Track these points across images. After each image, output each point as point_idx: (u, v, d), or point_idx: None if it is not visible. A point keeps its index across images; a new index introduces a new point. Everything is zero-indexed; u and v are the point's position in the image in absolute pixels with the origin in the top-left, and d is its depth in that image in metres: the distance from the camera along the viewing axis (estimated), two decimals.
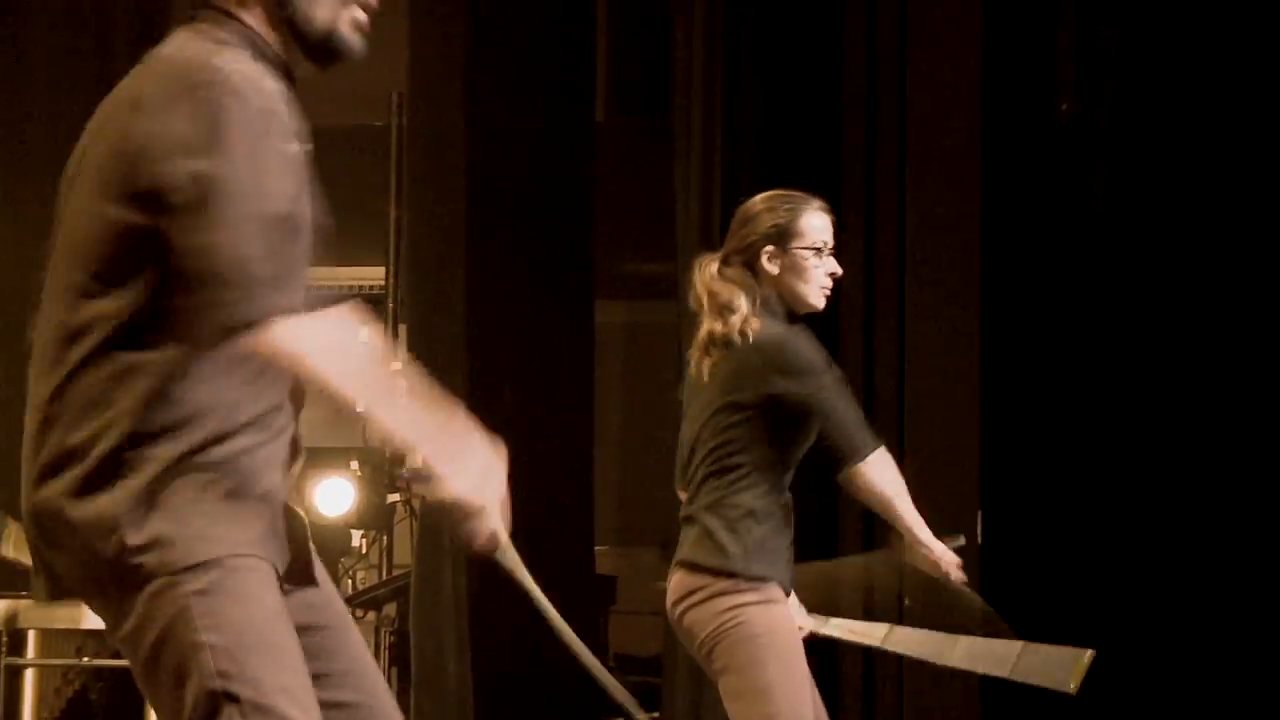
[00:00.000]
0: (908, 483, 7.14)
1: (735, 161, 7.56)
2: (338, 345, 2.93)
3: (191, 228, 2.81)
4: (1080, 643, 5.87)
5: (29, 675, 7.68)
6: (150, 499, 2.87)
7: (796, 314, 4.88)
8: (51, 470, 2.91)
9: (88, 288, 2.93)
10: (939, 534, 5.06)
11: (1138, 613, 7.28)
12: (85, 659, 7.42)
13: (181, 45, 3.01)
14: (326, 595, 3.10)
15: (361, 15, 3.11)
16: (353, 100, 8.40)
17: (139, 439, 2.88)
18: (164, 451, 2.89)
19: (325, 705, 2.96)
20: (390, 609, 8.32)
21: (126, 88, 3.00)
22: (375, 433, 3.15)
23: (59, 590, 2.97)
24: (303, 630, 2.97)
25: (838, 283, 4.93)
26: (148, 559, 2.85)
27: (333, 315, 2.92)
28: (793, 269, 4.83)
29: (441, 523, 7.78)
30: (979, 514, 7.12)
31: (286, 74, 3.07)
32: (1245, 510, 7.26)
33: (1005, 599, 7.14)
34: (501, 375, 7.86)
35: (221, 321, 2.83)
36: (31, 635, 7.63)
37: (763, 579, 4.71)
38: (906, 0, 7.31)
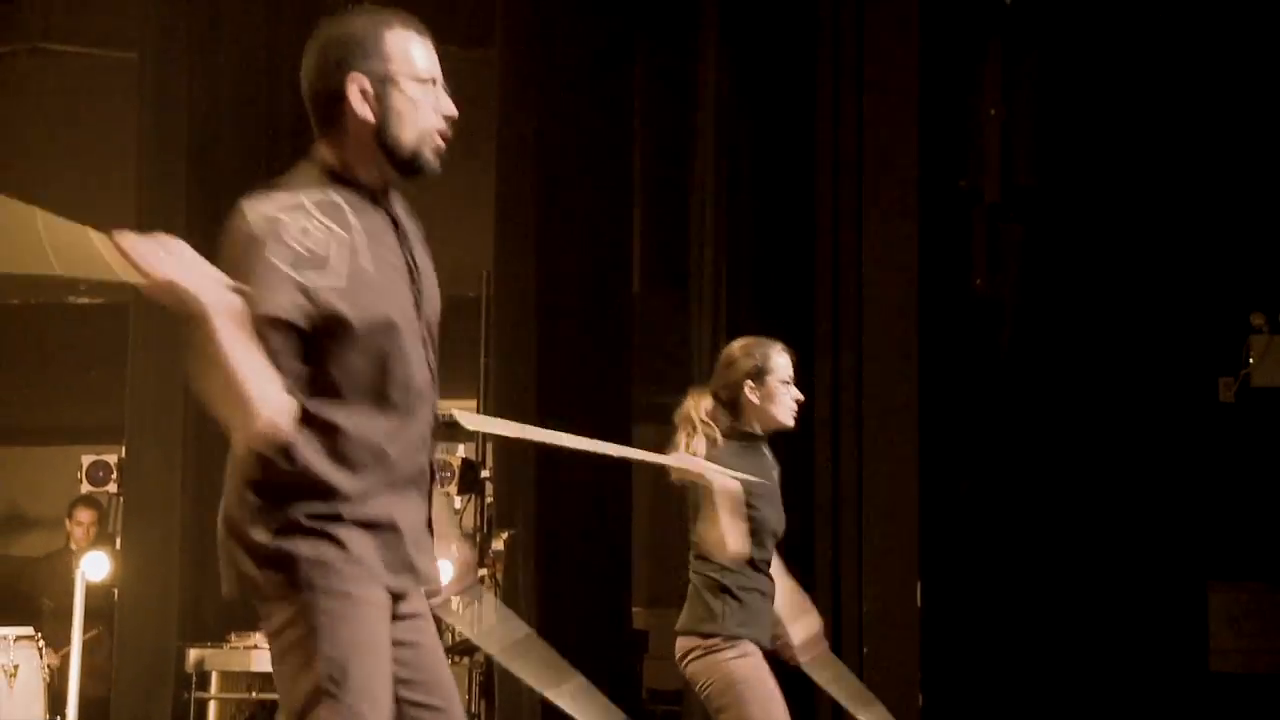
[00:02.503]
0: (866, 558, 7.20)
1: (735, 321, 7.56)
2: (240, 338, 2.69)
3: None
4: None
5: (212, 706, 7.68)
6: (300, 528, 2.83)
7: (767, 431, 4.83)
8: (240, 494, 2.87)
9: None
10: None
11: (1064, 673, 7.27)
12: (254, 694, 7.50)
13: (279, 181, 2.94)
14: (426, 622, 3.03)
15: (440, 142, 2.98)
16: (453, 276, 8.51)
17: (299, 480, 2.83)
18: (321, 491, 2.83)
19: (414, 705, 2.95)
20: (480, 655, 8.30)
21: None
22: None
23: (232, 589, 2.91)
24: (408, 645, 2.95)
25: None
26: (298, 571, 2.82)
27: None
28: (768, 397, 4.79)
29: (516, 592, 7.86)
30: (919, 584, 7.15)
31: (373, 191, 2.95)
32: (1143, 577, 7.29)
33: (942, 657, 7.23)
34: (562, 479, 7.82)
35: None
36: (214, 675, 7.62)
37: (739, 638, 4.68)
38: (861, 210, 7.33)
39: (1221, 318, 7.50)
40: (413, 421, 2.95)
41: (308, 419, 2.85)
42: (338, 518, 2.86)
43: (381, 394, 2.90)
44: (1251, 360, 7.45)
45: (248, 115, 8.36)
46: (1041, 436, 7.46)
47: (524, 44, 8.19)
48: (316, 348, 2.85)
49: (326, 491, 2.86)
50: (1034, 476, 7.44)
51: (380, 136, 2.93)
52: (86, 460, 8.76)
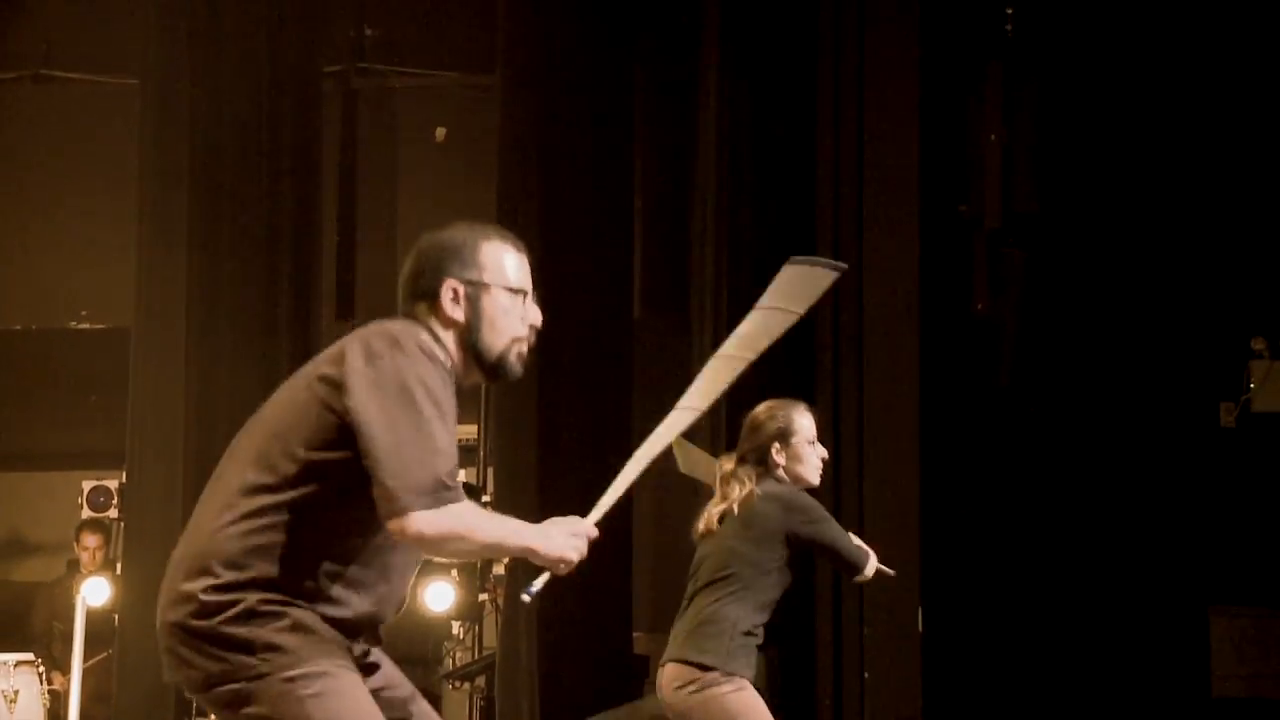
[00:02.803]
0: (868, 585, 7.20)
1: None
2: (479, 517, 3.02)
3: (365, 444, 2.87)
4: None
5: None
6: (270, 623, 2.89)
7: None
8: (207, 594, 2.92)
9: (279, 459, 2.94)
10: None
11: (1066, 698, 7.24)
12: None
13: (381, 321, 3.04)
14: (388, 666, 3.13)
15: (524, 350, 3.13)
16: None
17: (275, 583, 2.91)
18: (291, 598, 2.91)
19: None
20: (480, 680, 8.30)
21: (341, 341, 3.03)
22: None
23: (193, 688, 2.96)
24: (388, 687, 3.06)
25: None
26: (271, 659, 2.88)
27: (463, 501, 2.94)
28: (795, 458, 4.83)
29: (517, 616, 7.85)
30: (920, 608, 7.13)
31: (456, 379, 3.04)
32: (1142, 594, 7.28)
33: (943, 682, 7.23)
34: (563, 501, 7.85)
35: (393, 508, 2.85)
36: None
37: (735, 674, 4.68)
38: (862, 235, 7.35)
39: (1222, 342, 7.52)
40: (407, 571, 3.08)
41: (340, 549, 2.95)
42: (299, 604, 2.92)
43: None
44: (1252, 385, 7.47)
45: (249, 141, 8.36)
46: (1042, 461, 7.46)
47: (525, 64, 8.26)
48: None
49: (302, 594, 2.92)
50: (1035, 501, 7.44)
51: (469, 338, 3.06)
52: (87, 485, 8.77)
